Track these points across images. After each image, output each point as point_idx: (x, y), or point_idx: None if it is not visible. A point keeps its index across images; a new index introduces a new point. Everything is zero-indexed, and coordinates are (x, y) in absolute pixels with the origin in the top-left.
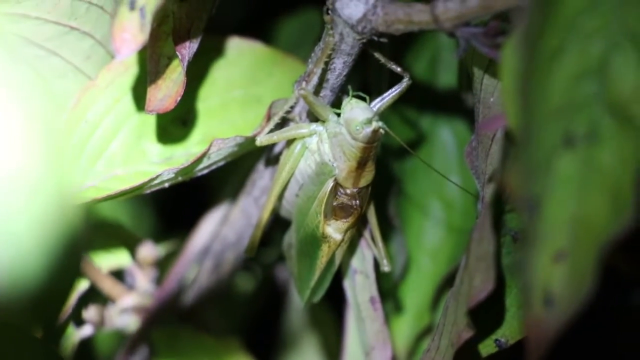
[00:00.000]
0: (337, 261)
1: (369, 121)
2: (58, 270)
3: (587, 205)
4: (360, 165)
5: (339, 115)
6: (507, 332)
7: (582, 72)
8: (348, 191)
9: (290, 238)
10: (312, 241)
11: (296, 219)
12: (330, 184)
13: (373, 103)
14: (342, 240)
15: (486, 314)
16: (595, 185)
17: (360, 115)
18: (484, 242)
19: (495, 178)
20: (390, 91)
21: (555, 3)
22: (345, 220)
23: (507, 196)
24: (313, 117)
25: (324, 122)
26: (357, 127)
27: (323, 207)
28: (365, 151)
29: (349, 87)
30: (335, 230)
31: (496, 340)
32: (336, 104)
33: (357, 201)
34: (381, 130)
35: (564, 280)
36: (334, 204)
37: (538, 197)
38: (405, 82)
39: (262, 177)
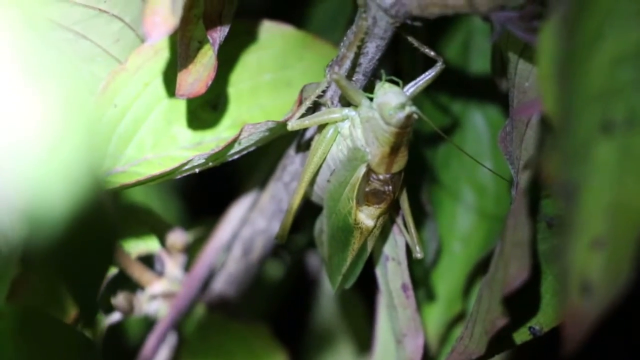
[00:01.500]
0: (369, 248)
1: (403, 106)
2: (92, 254)
3: (626, 192)
4: (393, 150)
5: (371, 99)
6: (542, 320)
7: (621, 57)
8: (381, 177)
9: (322, 224)
10: (344, 227)
11: (327, 205)
12: (362, 169)
13: (406, 87)
14: (374, 226)
15: (520, 301)
16: (633, 172)
17: (393, 99)
18: (519, 228)
19: (531, 164)
20: (423, 75)
21: None
22: (377, 206)
23: (543, 182)
24: (345, 102)
25: (356, 107)
26: (391, 112)
27: (355, 192)
28: (399, 136)
29: (382, 71)
30: (367, 217)
31: (530, 327)
32: (369, 88)
33: (390, 187)
34: (414, 115)
35: (601, 268)
36: (367, 189)
37: (576, 183)
38: (438, 67)
39: (292, 163)
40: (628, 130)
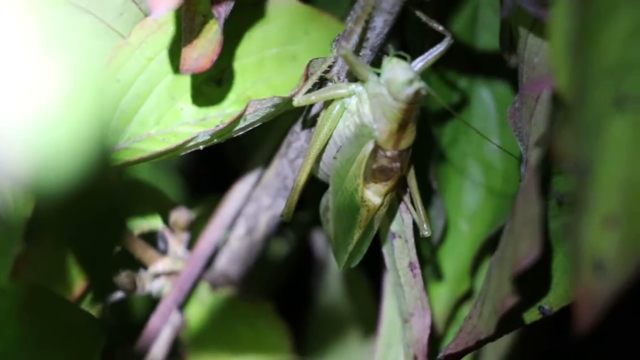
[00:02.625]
0: (376, 226)
1: (411, 81)
2: (101, 226)
3: (638, 167)
4: (401, 126)
5: (379, 75)
6: (552, 299)
7: (636, 30)
8: (388, 153)
9: (328, 201)
10: (351, 205)
11: (334, 182)
12: (370, 146)
13: (414, 63)
14: (382, 204)
15: (530, 280)
16: None
17: (401, 75)
18: (529, 206)
19: (542, 140)
20: (431, 51)
21: None
22: (385, 184)
23: (554, 159)
24: (352, 77)
25: (363, 82)
26: (399, 87)
27: (362, 169)
28: (407, 112)
29: (390, 46)
30: (374, 194)
31: (540, 307)
32: (376, 63)
33: (398, 164)
34: (422, 91)
35: (615, 246)
36: (374, 166)
37: (588, 160)
38: (446, 42)
39: (298, 139)
40: None
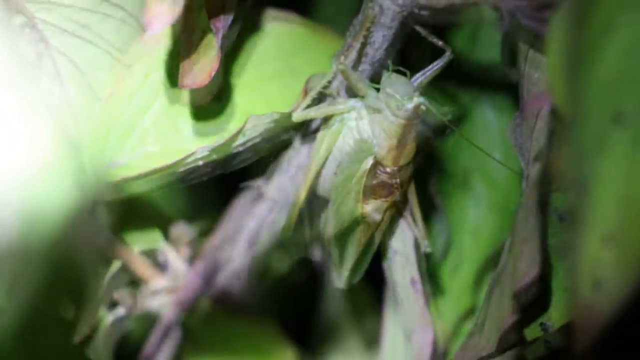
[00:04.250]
0: (377, 241)
1: (410, 97)
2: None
3: (638, 185)
4: (401, 142)
5: (378, 90)
6: (554, 316)
7: (633, 46)
8: (388, 169)
9: (328, 217)
10: (351, 221)
11: (334, 198)
12: (369, 161)
13: (414, 78)
14: (382, 220)
15: (531, 297)
16: None
17: (400, 90)
18: (529, 222)
19: (541, 156)
20: (431, 66)
21: None
22: (384, 200)
23: (552, 175)
24: (352, 93)
25: (362, 97)
26: (398, 103)
27: (362, 185)
28: (406, 128)
29: (389, 61)
30: (374, 210)
31: (542, 323)
32: (376, 79)
33: (397, 180)
34: (422, 107)
35: (613, 264)
36: (373, 182)
37: (587, 177)
38: (447, 57)
39: (298, 155)
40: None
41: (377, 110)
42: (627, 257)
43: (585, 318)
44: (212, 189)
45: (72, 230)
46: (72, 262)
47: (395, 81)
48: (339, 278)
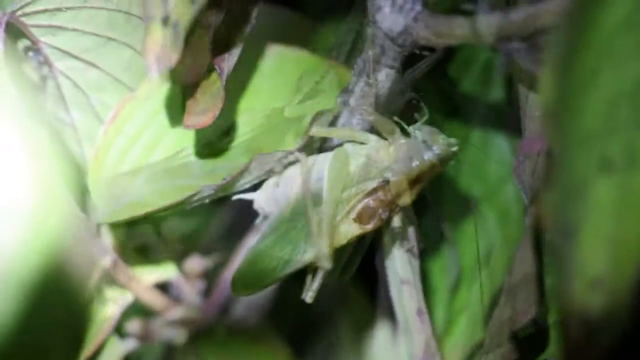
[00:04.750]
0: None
1: (449, 144)
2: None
3: (625, 230)
4: (414, 181)
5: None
6: (556, 351)
7: (618, 94)
8: (387, 197)
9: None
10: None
11: (297, 208)
12: (374, 183)
13: (406, 73)
14: (344, 246)
15: (530, 334)
16: (632, 209)
17: (439, 135)
18: (526, 263)
19: (535, 198)
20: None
21: (591, 23)
22: (362, 227)
23: (541, 219)
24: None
25: (389, 133)
26: (442, 139)
27: (354, 201)
28: (431, 169)
29: (423, 106)
30: (344, 233)
31: None
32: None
33: (387, 214)
34: (455, 155)
35: (602, 307)
36: (365, 201)
37: (572, 221)
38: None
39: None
40: (627, 168)
41: (409, 144)
42: (616, 300)
43: (578, 357)
44: (227, 222)
45: (72, 251)
46: (70, 282)
47: (427, 128)
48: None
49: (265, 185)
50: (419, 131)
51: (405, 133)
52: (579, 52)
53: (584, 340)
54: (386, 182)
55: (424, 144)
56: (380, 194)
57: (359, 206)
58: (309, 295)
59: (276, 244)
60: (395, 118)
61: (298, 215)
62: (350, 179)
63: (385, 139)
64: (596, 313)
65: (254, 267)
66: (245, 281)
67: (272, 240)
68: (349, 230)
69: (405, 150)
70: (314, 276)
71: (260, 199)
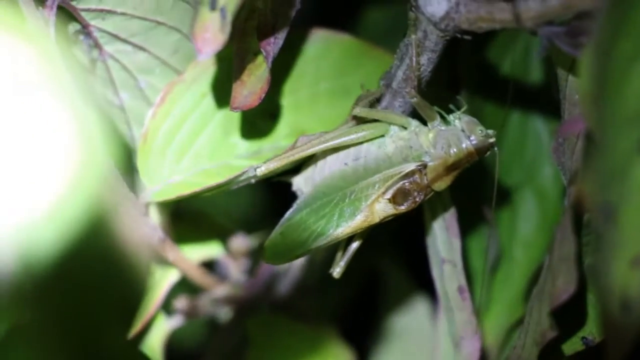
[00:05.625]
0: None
1: (488, 135)
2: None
3: None
4: (452, 167)
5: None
6: (594, 330)
7: None
8: (424, 181)
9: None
10: (350, 209)
11: (332, 184)
12: (411, 165)
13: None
14: (378, 222)
15: (570, 312)
16: None
17: (479, 124)
18: (565, 243)
19: (575, 179)
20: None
21: (630, 7)
22: (397, 207)
23: (582, 200)
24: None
25: (430, 119)
26: (481, 130)
27: (389, 182)
28: (468, 157)
29: (461, 99)
30: (380, 211)
31: (583, 338)
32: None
33: (422, 196)
34: (494, 147)
35: None
36: (401, 184)
37: (614, 203)
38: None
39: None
40: None
41: (450, 130)
42: None
43: (616, 337)
44: (271, 200)
45: (124, 230)
46: (122, 260)
47: (467, 117)
48: (267, 250)
49: (304, 168)
50: (459, 120)
51: (445, 121)
52: (619, 36)
53: (622, 319)
54: (423, 166)
55: (463, 133)
56: (416, 177)
57: (395, 187)
58: (336, 271)
59: (310, 217)
60: (436, 108)
61: (334, 190)
62: (388, 160)
63: (425, 124)
64: (635, 292)
65: (286, 237)
66: (277, 250)
67: (306, 212)
68: (384, 209)
69: (444, 137)
70: (344, 252)
71: (298, 181)
